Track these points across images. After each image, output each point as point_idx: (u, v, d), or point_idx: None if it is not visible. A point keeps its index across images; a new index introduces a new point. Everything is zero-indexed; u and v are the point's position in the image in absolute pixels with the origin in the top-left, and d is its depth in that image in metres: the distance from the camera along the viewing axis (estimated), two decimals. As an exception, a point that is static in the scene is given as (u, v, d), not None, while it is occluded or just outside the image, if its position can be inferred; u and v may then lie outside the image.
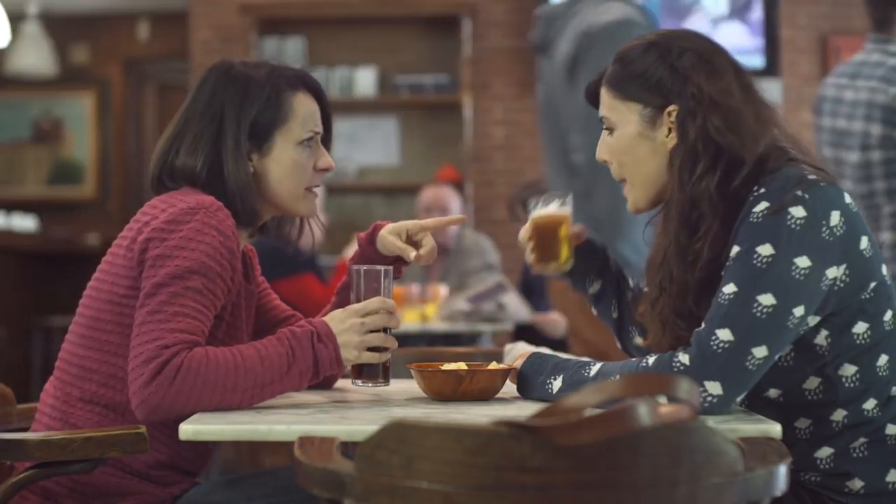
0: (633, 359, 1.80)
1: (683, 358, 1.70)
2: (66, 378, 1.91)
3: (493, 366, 1.96)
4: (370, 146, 6.77)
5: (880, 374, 1.78)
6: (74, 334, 1.93)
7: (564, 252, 2.03)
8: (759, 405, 1.81)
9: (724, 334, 1.68)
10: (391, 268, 1.97)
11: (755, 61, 6.37)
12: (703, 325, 1.72)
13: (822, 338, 1.76)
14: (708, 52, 1.85)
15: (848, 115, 3.27)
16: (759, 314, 1.68)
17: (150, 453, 1.84)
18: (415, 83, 6.61)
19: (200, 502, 1.90)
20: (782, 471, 1.28)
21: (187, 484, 1.96)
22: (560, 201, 2.02)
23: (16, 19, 7.58)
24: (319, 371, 1.82)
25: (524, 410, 1.75)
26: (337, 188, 6.49)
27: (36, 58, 7.93)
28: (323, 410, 1.76)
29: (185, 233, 1.83)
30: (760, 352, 1.68)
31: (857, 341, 1.77)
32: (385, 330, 1.89)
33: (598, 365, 1.80)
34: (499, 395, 1.92)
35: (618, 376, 1.74)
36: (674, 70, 1.84)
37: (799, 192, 1.72)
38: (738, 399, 1.70)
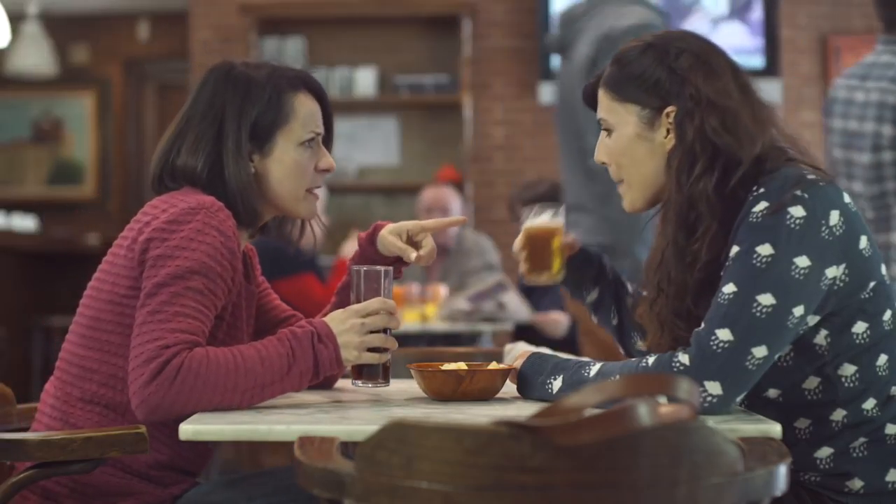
0: (633, 359, 1.80)
1: (683, 358, 1.70)
2: (67, 378, 1.92)
3: (493, 366, 1.96)
4: (370, 146, 6.77)
5: (880, 373, 1.78)
6: (75, 334, 1.93)
7: (556, 263, 2.05)
8: (758, 405, 1.81)
9: (724, 334, 1.68)
10: (391, 268, 1.97)
11: (755, 61, 6.37)
12: (702, 325, 1.72)
13: (821, 337, 1.77)
14: (705, 53, 1.85)
15: (859, 116, 3.27)
16: (758, 314, 1.68)
17: (150, 453, 1.84)
18: (415, 83, 6.61)
19: (200, 502, 1.90)
20: (782, 471, 1.29)
21: (187, 484, 1.96)
22: (553, 212, 2.04)
23: (16, 19, 7.58)
24: (320, 371, 1.82)
25: (524, 410, 1.75)
26: (337, 188, 6.49)
27: (36, 58, 7.93)
28: (323, 410, 1.76)
29: (186, 233, 1.83)
30: (760, 351, 1.68)
31: (857, 341, 1.77)
32: (385, 331, 1.89)
33: (598, 365, 1.80)
34: (499, 395, 1.92)
35: (618, 376, 1.74)
36: (671, 71, 1.84)
37: (798, 192, 1.72)
38: (738, 399, 1.70)
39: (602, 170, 1.98)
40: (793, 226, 1.71)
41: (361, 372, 1.94)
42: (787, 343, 1.74)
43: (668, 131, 1.85)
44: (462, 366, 1.96)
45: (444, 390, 1.87)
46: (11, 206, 7.57)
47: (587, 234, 3.32)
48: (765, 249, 1.70)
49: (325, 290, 4.41)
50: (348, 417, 1.68)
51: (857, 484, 1.77)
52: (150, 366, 1.72)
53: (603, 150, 1.93)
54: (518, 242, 2.06)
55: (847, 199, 1.78)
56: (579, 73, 3.30)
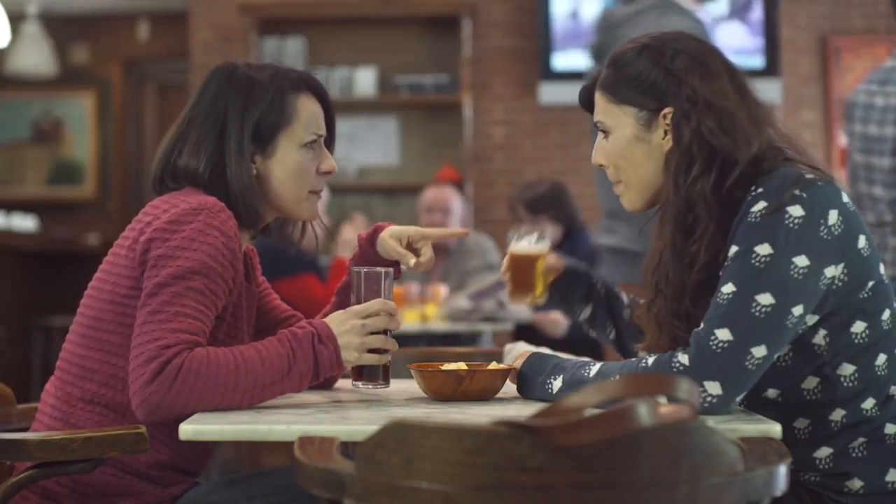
0: (633, 359, 1.80)
1: (683, 358, 1.70)
2: (67, 378, 1.92)
3: (493, 366, 1.96)
4: (370, 146, 6.77)
5: (879, 373, 1.78)
6: (75, 334, 1.93)
7: (539, 286, 2.12)
8: (757, 405, 1.82)
9: (723, 334, 1.68)
10: (391, 270, 1.97)
11: (755, 61, 6.37)
12: (701, 325, 1.72)
13: (820, 337, 1.77)
14: (701, 54, 1.86)
15: (879, 121, 3.29)
16: (757, 314, 1.68)
17: (150, 453, 1.84)
18: (415, 83, 6.61)
19: (200, 502, 1.90)
20: (782, 471, 1.29)
21: (187, 484, 1.96)
22: (538, 236, 2.11)
23: (16, 19, 7.58)
24: (320, 372, 1.82)
25: (524, 410, 1.75)
26: (337, 188, 6.49)
27: (36, 58, 7.92)
28: (323, 410, 1.76)
29: (188, 233, 1.83)
30: (759, 351, 1.68)
31: (856, 341, 1.77)
32: (386, 332, 1.89)
33: (598, 365, 1.80)
34: (499, 395, 1.92)
35: (618, 376, 1.74)
36: (668, 72, 1.84)
37: (797, 192, 1.72)
38: (738, 399, 1.70)
39: None
40: (791, 225, 1.71)
41: (362, 373, 1.94)
42: (787, 343, 1.74)
43: (665, 133, 1.85)
44: (462, 366, 1.96)
45: (444, 390, 1.87)
46: (11, 206, 7.57)
47: (624, 241, 3.33)
48: (763, 249, 1.70)
49: (326, 290, 4.40)
50: (348, 417, 1.68)
51: (856, 484, 1.77)
52: (151, 366, 1.72)
53: (600, 152, 1.93)
54: (503, 265, 2.13)
55: (845, 198, 1.78)
56: None
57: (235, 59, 2.10)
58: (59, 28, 8.39)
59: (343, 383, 2.10)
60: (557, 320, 4.78)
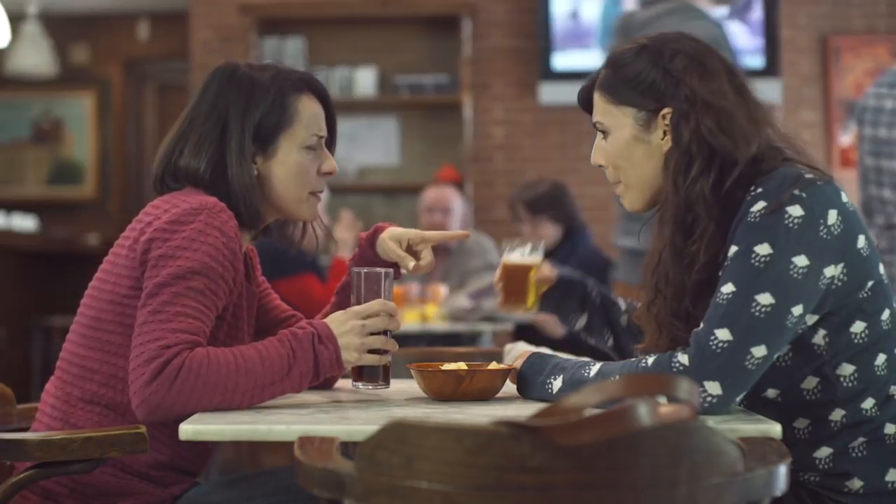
0: (633, 359, 1.80)
1: (682, 358, 1.70)
2: (67, 378, 1.92)
3: (493, 366, 1.96)
4: (370, 146, 6.77)
5: (878, 373, 1.78)
6: (75, 334, 1.93)
7: (531, 297, 2.15)
8: (757, 405, 1.82)
9: (723, 334, 1.68)
10: (391, 270, 1.98)
11: (755, 61, 6.37)
12: (701, 325, 1.72)
13: (820, 337, 1.77)
14: (700, 54, 1.86)
15: (888, 123, 3.31)
16: (757, 314, 1.68)
17: (150, 453, 1.84)
18: (415, 83, 6.61)
19: (200, 502, 1.90)
20: (782, 471, 1.29)
21: (187, 484, 1.96)
22: (531, 247, 2.14)
23: (16, 19, 7.58)
24: (320, 373, 1.82)
25: (524, 410, 1.75)
26: (337, 188, 6.49)
27: (36, 58, 7.92)
28: (323, 410, 1.76)
29: (188, 233, 1.83)
30: (759, 351, 1.68)
31: (855, 340, 1.77)
32: (386, 332, 1.89)
33: (598, 365, 1.80)
34: (499, 395, 1.92)
35: (618, 376, 1.74)
36: (667, 73, 1.84)
37: (796, 191, 1.72)
38: (738, 399, 1.70)
39: None
40: (791, 225, 1.71)
41: (362, 373, 1.94)
42: (787, 343, 1.74)
43: (664, 133, 1.85)
44: (462, 366, 1.96)
45: (444, 390, 1.87)
46: (11, 206, 7.57)
47: (644, 243, 3.35)
48: (763, 249, 1.70)
49: (326, 290, 4.40)
50: (348, 417, 1.68)
51: (856, 484, 1.77)
52: (151, 366, 1.72)
53: (599, 152, 1.93)
54: (496, 275, 2.15)
55: (845, 198, 1.78)
56: None
57: (236, 59, 2.10)
58: (59, 28, 8.39)
59: (343, 383, 2.10)
60: (557, 320, 4.77)
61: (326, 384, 2.06)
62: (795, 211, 1.71)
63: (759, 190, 1.75)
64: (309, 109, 2.00)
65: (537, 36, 6.52)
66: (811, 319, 1.75)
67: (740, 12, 6.54)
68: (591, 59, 6.36)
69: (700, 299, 1.79)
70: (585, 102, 1.98)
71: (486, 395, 1.89)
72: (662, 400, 1.40)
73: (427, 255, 2.08)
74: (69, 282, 5.63)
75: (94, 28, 8.70)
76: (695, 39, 1.90)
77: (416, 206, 5.59)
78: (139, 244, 1.85)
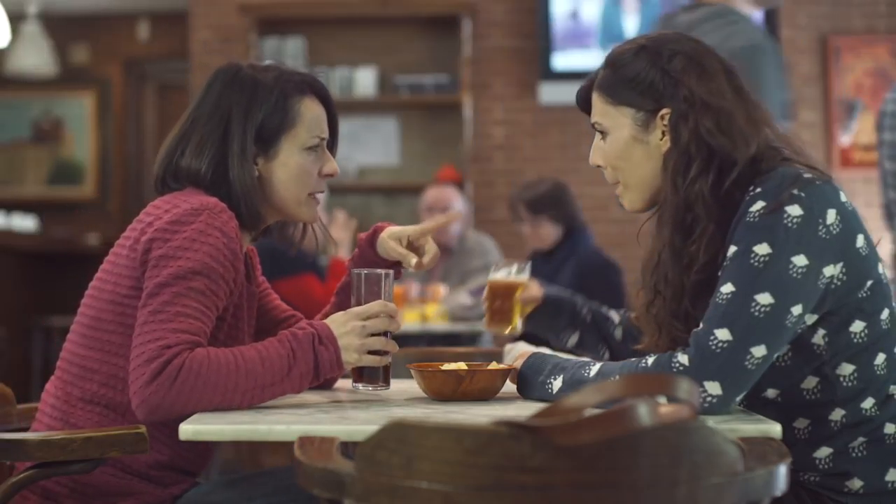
0: (633, 359, 1.80)
1: (682, 358, 1.70)
2: (67, 378, 1.92)
3: (493, 366, 1.96)
4: (370, 146, 6.77)
5: (878, 372, 1.78)
6: (76, 334, 1.93)
7: (516, 317, 2.15)
8: (757, 405, 1.82)
9: (723, 334, 1.68)
10: (392, 271, 1.97)
11: (755, 61, 6.37)
12: (701, 325, 1.72)
13: (819, 337, 1.77)
14: (698, 55, 1.86)
15: None
16: (757, 313, 1.68)
17: (150, 453, 1.84)
18: (415, 83, 6.61)
19: (200, 502, 1.90)
20: (782, 471, 1.29)
21: (187, 484, 1.96)
22: (517, 267, 2.14)
23: (16, 19, 7.59)
24: (320, 373, 1.82)
25: (524, 410, 1.75)
26: (337, 188, 6.49)
27: (36, 58, 7.93)
28: (323, 410, 1.76)
29: (189, 233, 1.83)
30: (759, 351, 1.68)
31: (855, 340, 1.77)
32: (386, 333, 1.89)
33: (598, 365, 1.80)
34: (499, 395, 1.92)
35: (618, 376, 1.74)
36: (665, 73, 1.84)
37: (795, 191, 1.73)
38: (738, 399, 1.70)
39: None
40: (790, 225, 1.71)
41: (362, 374, 1.94)
42: (786, 342, 1.74)
43: (663, 133, 1.85)
44: (462, 366, 1.96)
45: (444, 390, 1.87)
46: (11, 206, 7.57)
47: None
48: (762, 249, 1.70)
49: (326, 290, 4.40)
50: (348, 417, 1.68)
51: (856, 484, 1.77)
52: (151, 366, 1.72)
53: (598, 153, 1.93)
54: (483, 294, 2.16)
55: (843, 197, 1.78)
56: None
57: (238, 59, 2.10)
58: (59, 28, 8.40)
59: (343, 383, 2.10)
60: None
61: (326, 384, 2.06)
62: (794, 211, 1.71)
63: (758, 190, 1.75)
64: (311, 111, 2.00)
65: (537, 36, 6.52)
66: (811, 319, 1.75)
67: (740, 12, 6.53)
68: (591, 59, 6.36)
69: (699, 299, 1.79)
70: (584, 103, 1.98)
71: (486, 395, 1.89)
72: (662, 400, 1.40)
73: (431, 248, 2.08)
74: (69, 282, 5.63)
75: (94, 28, 8.70)
76: (694, 40, 1.89)
77: (416, 206, 5.60)
78: (140, 244, 1.85)
